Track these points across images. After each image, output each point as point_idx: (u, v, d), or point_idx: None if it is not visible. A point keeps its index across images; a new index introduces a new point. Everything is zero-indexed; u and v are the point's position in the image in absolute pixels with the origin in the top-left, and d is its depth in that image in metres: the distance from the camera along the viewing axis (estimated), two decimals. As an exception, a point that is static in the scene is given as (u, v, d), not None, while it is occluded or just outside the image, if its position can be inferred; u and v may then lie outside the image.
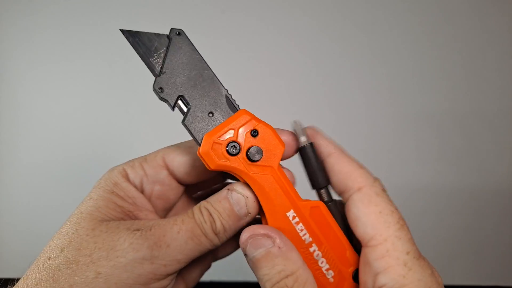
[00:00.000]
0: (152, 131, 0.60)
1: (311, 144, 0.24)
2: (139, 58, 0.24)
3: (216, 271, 0.64)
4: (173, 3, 0.60)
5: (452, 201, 0.63)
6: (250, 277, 0.63)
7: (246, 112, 0.23)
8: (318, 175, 0.24)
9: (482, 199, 0.63)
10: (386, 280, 0.21)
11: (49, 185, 0.61)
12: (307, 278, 0.22)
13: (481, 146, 0.62)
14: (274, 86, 0.61)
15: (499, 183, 0.63)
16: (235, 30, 0.61)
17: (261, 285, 0.22)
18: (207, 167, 0.23)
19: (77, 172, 0.62)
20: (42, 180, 0.61)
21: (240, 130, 0.23)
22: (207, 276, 0.63)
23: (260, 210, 0.24)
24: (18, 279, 0.24)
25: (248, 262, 0.23)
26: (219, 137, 0.22)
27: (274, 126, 0.24)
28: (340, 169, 0.23)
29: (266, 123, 0.23)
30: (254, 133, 0.23)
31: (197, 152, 0.22)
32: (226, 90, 0.24)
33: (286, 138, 0.24)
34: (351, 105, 0.59)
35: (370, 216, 0.22)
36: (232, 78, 0.61)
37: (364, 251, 0.22)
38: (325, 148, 0.24)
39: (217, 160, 0.22)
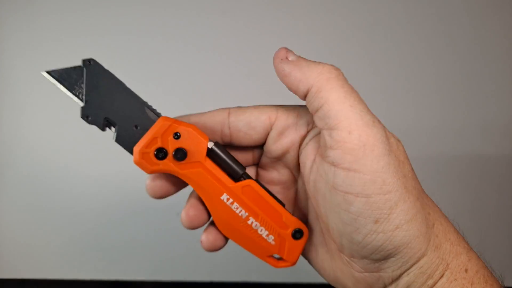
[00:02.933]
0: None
1: (216, 143, 0.26)
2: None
3: (216, 271, 0.64)
4: (173, 3, 0.60)
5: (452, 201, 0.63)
6: (250, 277, 0.63)
7: (165, 119, 0.26)
8: (233, 167, 0.27)
9: (483, 198, 0.63)
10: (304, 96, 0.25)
11: (49, 185, 0.61)
12: None
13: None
14: (275, 86, 0.61)
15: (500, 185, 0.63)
16: (236, 30, 0.61)
17: None
18: (145, 172, 0.26)
19: (77, 172, 0.62)
20: (42, 180, 0.61)
21: (164, 136, 0.26)
22: (207, 276, 0.63)
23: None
24: None
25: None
26: (146, 147, 0.25)
27: None
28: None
29: (187, 124, 0.26)
30: (175, 136, 0.26)
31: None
32: (145, 102, 0.27)
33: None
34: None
35: (253, 112, 0.27)
36: (232, 78, 0.61)
37: (275, 129, 0.27)
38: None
39: (150, 166, 0.26)
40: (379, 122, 0.24)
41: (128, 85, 0.27)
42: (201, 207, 0.28)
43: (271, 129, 0.27)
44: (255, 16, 0.61)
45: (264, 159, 0.29)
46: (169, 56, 0.60)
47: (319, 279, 0.30)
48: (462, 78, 0.62)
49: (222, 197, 0.27)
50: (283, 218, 0.28)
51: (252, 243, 0.29)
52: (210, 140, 0.26)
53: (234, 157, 0.27)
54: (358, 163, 0.22)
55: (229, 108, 0.27)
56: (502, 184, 0.63)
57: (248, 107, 0.27)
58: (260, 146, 0.29)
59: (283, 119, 0.27)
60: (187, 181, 0.27)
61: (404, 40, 0.61)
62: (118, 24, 0.60)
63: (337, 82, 0.24)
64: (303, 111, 0.27)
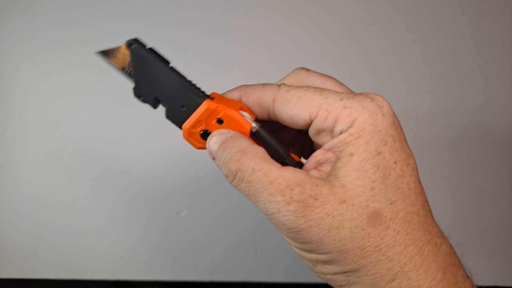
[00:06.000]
0: (152, 131, 0.60)
1: (262, 127, 0.26)
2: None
3: (216, 271, 0.64)
4: (173, 3, 0.60)
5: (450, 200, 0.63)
6: (250, 277, 0.63)
7: (209, 103, 0.26)
8: (277, 151, 0.26)
9: (483, 199, 0.63)
10: (340, 127, 0.23)
11: (49, 185, 0.61)
12: (257, 151, 0.24)
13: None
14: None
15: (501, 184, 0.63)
16: (236, 30, 0.61)
17: (223, 171, 0.25)
18: (194, 147, 0.28)
19: (77, 173, 0.62)
20: (42, 180, 0.61)
21: (208, 121, 0.26)
22: (207, 276, 0.63)
23: None
24: None
25: (216, 163, 0.26)
26: (192, 127, 0.27)
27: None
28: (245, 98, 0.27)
29: (230, 109, 0.26)
30: (219, 121, 0.26)
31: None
32: (190, 81, 0.27)
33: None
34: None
35: (296, 106, 0.25)
36: (232, 78, 0.61)
37: (313, 128, 0.25)
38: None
39: (197, 144, 0.27)
40: None
41: (173, 63, 0.27)
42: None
43: (311, 124, 0.25)
44: (256, 16, 0.61)
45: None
46: (168, 57, 0.60)
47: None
48: (463, 79, 0.62)
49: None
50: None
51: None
52: (257, 121, 0.26)
53: (278, 141, 0.26)
54: None
55: (278, 88, 0.25)
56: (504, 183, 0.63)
57: (293, 92, 0.25)
58: None
59: (320, 121, 0.24)
60: None
61: (404, 40, 0.61)
62: (118, 24, 0.60)
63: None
64: (346, 112, 0.24)
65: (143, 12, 0.60)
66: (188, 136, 0.27)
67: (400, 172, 0.23)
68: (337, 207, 0.22)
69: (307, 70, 0.28)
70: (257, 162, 0.23)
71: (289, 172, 0.23)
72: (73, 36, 0.60)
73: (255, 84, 0.27)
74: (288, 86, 0.26)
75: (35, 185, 0.61)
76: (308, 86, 0.25)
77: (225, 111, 0.26)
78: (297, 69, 0.29)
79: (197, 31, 0.61)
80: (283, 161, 0.26)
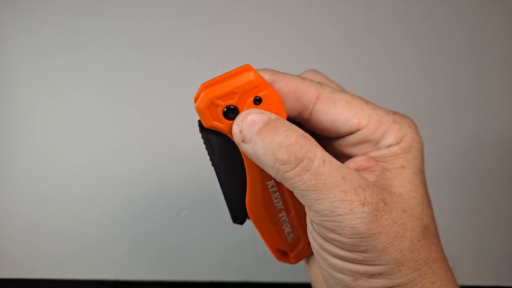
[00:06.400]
0: (152, 131, 0.60)
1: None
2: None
3: (216, 271, 0.64)
4: (173, 3, 0.60)
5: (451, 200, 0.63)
6: (250, 277, 0.63)
7: (255, 73, 0.21)
8: None
9: (483, 199, 0.63)
10: (390, 140, 0.23)
11: (49, 185, 0.61)
12: (311, 140, 0.21)
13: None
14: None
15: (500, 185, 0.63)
16: (236, 30, 0.61)
17: (262, 160, 0.21)
18: (202, 123, 0.22)
19: (77, 173, 0.62)
20: (42, 180, 0.61)
21: (244, 96, 0.21)
22: (207, 276, 0.63)
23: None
24: None
25: (245, 147, 0.21)
26: (219, 97, 0.21)
27: None
28: (287, 89, 0.23)
29: (273, 90, 0.22)
30: (257, 101, 0.21)
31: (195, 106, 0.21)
32: None
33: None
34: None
35: (344, 110, 0.23)
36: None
37: (357, 136, 0.24)
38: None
39: (212, 121, 0.21)
40: None
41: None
42: None
43: (355, 132, 0.24)
44: (256, 16, 0.61)
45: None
46: (168, 57, 0.60)
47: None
48: (463, 80, 0.62)
49: (268, 182, 0.24)
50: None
51: (271, 233, 0.27)
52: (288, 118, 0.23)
53: None
54: None
55: (321, 87, 0.23)
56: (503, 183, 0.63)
57: (340, 95, 0.23)
58: None
59: (370, 130, 0.23)
60: (243, 153, 0.23)
61: (403, 40, 0.61)
62: (119, 26, 0.60)
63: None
64: (396, 126, 0.24)
65: (143, 13, 0.60)
66: (206, 108, 0.21)
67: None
68: (401, 215, 0.21)
69: (324, 75, 0.27)
70: (326, 153, 0.20)
71: (353, 170, 0.21)
72: (73, 37, 0.60)
73: (291, 74, 0.24)
74: (331, 87, 0.24)
75: (35, 185, 0.61)
76: (352, 94, 0.24)
77: (269, 91, 0.21)
78: (313, 70, 0.27)
79: (197, 31, 0.61)
80: None
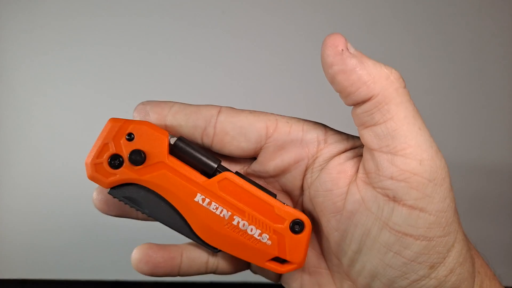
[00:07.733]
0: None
1: (180, 138, 0.22)
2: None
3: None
4: (173, 4, 0.60)
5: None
6: (250, 277, 0.63)
7: (114, 120, 0.22)
8: (205, 161, 0.22)
9: (484, 200, 0.63)
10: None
11: (49, 185, 0.61)
12: None
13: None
14: (275, 87, 0.61)
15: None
16: (235, 31, 0.61)
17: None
18: (105, 187, 0.23)
19: (77, 173, 0.62)
20: (42, 180, 0.61)
21: (116, 140, 0.21)
22: (207, 276, 0.63)
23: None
24: None
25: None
26: (97, 156, 0.22)
27: None
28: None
29: (139, 121, 0.22)
30: (129, 137, 0.21)
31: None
32: None
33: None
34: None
35: (248, 116, 0.22)
36: (232, 79, 0.61)
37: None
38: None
39: (106, 179, 0.22)
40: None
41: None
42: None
43: (266, 141, 0.22)
44: (256, 16, 0.61)
45: (252, 177, 0.24)
46: (169, 57, 0.60)
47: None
48: (463, 79, 0.62)
49: (196, 199, 0.22)
50: (276, 210, 0.23)
51: (245, 248, 0.23)
52: (172, 136, 0.23)
53: (204, 149, 0.23)
54: (425, 201, 0.19)
55: (220, 106, 0.23)
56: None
57: (243, 110, 0.23)
58: (245, 160, 0.24)
59: (284, 132, 0.22)
60: (153, 189, 0.22)
61: (403, 40, 0.61)
62: (118, 25, 0.60)
63: (406, 96, 0.20)
64: (309, 125, 0.23)
65: (143, 13, 0.60)
66: (94, 172, 0.22)
67: None
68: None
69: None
70: None
71: None
72: (73, 37, 0.60)
73: (192, 104, 0.23)
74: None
75: (35, 185, 0.61)
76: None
77: (134, 123, 0.21)
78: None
79: (197, 32, 0.60)
80: (214, 173, 0.23)
